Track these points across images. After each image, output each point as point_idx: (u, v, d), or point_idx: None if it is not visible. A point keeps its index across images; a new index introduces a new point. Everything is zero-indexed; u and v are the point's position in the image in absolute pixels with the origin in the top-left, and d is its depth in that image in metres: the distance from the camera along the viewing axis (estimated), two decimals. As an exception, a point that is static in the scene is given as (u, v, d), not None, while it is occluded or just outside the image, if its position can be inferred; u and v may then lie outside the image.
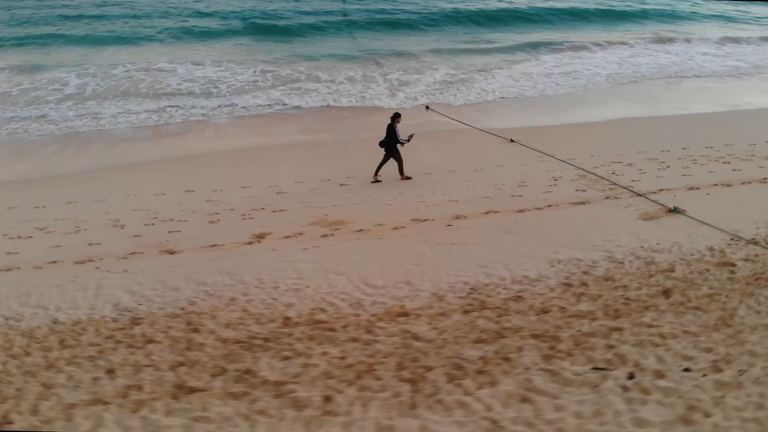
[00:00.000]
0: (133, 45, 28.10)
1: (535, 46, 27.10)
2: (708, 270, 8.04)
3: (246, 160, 14.34)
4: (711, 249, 8.67)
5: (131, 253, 9.27)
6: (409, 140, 12.45)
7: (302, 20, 32.58)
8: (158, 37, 29.39)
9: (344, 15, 34.61)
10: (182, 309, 7.54)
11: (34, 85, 22.73)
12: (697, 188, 11.32)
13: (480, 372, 5.98)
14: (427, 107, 19.03)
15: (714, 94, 20.76)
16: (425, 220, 10.21)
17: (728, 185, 11.45)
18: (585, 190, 11.46)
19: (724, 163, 12.82)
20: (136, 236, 9.95)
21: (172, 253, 9.29)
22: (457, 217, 10.28)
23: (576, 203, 10.79)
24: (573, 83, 21.89)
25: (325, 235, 9.70)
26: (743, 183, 11.51)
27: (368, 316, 7.18)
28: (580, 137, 15.56)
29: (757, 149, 13.64)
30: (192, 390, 5.91)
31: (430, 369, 6.07)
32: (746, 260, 8.29)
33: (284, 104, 19.60)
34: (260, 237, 9.70)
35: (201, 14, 34.07)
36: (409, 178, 12.66)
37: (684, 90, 21.35)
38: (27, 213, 11.07)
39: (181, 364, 6.36)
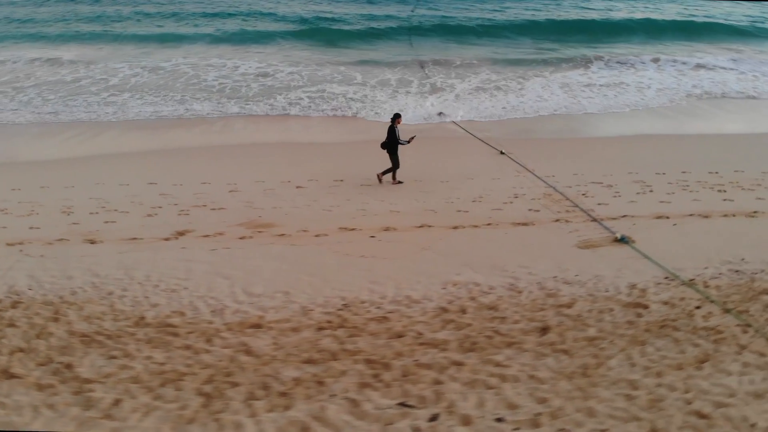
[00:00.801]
0: (194, 42, 29.35)
1: (592, 58, 25.36)
2: (612, 310, 7.25)
3: (229, 157, 14.66)
4: (632, 287, 7.81)
5: (58, 240, 9.68)
6: (409, 142, 12.38)
7: (364, 25, 32.51)
8: (223, 36, 30.49)
9: (410, 18, 34.36)
10: (60, 298, 7.77)
11: (87, 75, 24.40)
12: (667, 217, 10.24)
13: (282, 394, 5.71)
14: (440, 113, 18.49)
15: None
16: (353, 229, 9.94)
17: (706, 216, 10.26)
18: (539, 210, 10.69)
19: (719, 191, 11.51)
20: (74, 224, 10.39)
21: (93, 242, 9.61)
22: (387, 229, 9.93)
23: (519, 224, 10.10)
24: (613, 98, 20.37)
25: (243, 237, 9.67)
26: (725, 215, 10.28)
27: (220, 324, 7.06)
28: (580, 153, 14.64)
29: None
30: (11, 376, 6.05)
31: (235, 385, 5.86)
32: (665, 303, 7.40)
33: (299, 105, 19.72)
34: (180, 234, 9.83)
35: (272, 16, 34.51)
36: (400, 182, 12.67)
37: (730, 109, 19.34)
38: (2, 194, 11.87)
39: (21, 350, 6.54)
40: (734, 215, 10.25)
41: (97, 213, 10.93)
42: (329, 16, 34.21)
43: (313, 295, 7.70)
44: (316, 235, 9.69)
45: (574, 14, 34.54)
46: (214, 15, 35.59)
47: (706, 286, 7.74)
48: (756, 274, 8.07)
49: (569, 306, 7.33)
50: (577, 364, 6.12)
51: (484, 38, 29.56)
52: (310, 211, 10.85)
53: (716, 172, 12.59)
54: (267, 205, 11.15)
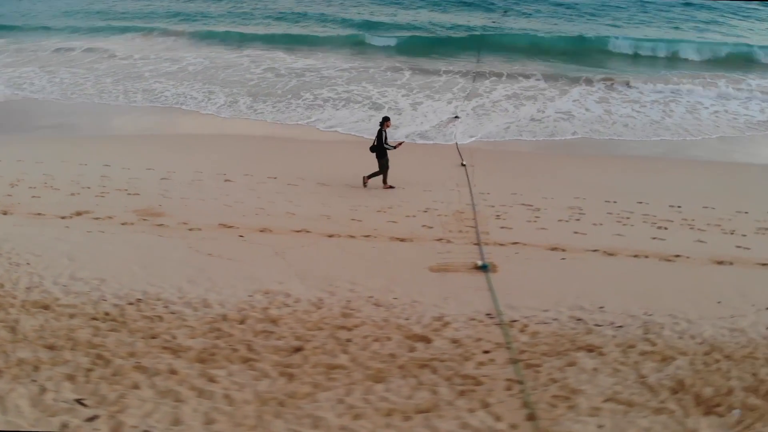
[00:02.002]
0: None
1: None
2: (389, 339, 6.80)
3: (205, 147, 15.43)
4: (438, 318, 7.23)
5: (-25, 207, 10.72)
6: (396, 147, 12.19)
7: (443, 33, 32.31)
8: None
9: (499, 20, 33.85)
10: None
11: (155, 58, 26.76)
12: (563, 250, 9.25)
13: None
14: (456, 116, 18.04)
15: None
16: (230, 227, 10.05)
17: (611, 254, 9.15)
18: (432, 227, 10.13)
19: (659, 228, 10.19)
20: (8, 195, 11.45)
21: (5, 213, 10.54)
22: (263, 230, 9.94)
23: (397, 239, 9.67)
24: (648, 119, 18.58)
25: (125, 223, 10.14)
26: (636, 255, 9.09)
27: (22, 300, 7.49)
28: (560, 172, 13.53)
29: (740, 220, 10.53)
30: None
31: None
32: (453, 341, 6.78)
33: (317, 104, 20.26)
34: (77, 214, 10.49)
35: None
36: (391, 186, 12.45)
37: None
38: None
39: None
40: (647, 257, 8.98)
41: (34, 188, 11.88)
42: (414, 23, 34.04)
43: (124, 286, 7.87)
44: (190, 229, 9.88)
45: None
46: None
47: (522, 331, 6.93)
48: (598, 326, 7.08)
49: (350, 329, 6.90)
50: (288, 390, 5.78)
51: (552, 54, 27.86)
52: (212, 205, 11.07)
53: (679, 207, 11.07)
54: (178, 195, 11.50)
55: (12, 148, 14.69)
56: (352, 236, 9.69)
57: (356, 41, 29.65)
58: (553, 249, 9.25)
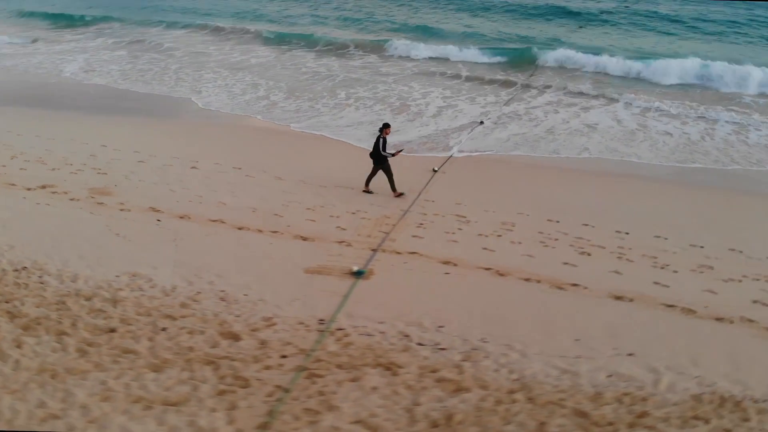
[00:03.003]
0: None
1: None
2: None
3: (206, 134, 16.61)
4: (267, 320, 7.36)
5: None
6: (394, 155, 11.86)
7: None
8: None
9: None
10: None
11: (229, 50, 29.10)
12: (454, 264, 9.00)
13: None
14: (482, 122, 17.80)
15: None
16: (158, 210, 10.73)
17: (502, 274, 8.77)
18: (345, 229, 10.19)
19: (581, 253, 9.56)
20: (2, 166, 12.98)
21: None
22: (183, 217, 10.52)
23: (300, 237, 9.88)
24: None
25: (73, 199, 11.16)
26: (526, 278, 8.67)
27: None
28: (516, 184, 13.05)
29: (685, 254, 9.67)
30: None
31: None
32: (231, 336, 6.90)
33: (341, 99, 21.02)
34: (42, 187, 11.68)
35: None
36: (402, 194, 11.93)
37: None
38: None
39: None
40: (539, 281, 8.46)
41: (28, 161, 13.34)
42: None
43: (25, 253, 8.75)
44: (121, 210, 10.67)
45: None
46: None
47: (338, 340, 6.94)
48: (420, 345, 6.92)
49: (176, 318, 7.29)
50: (70, 366, 6.25)
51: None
52: (160, 189, 11.82)
53: (626, 233, 10.24)
54: (138, 178, 12.39)
55: (36, 124, 16.43)
56: (260, 231, 9.93)
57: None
58: (445, 263, 8.92)
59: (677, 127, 17.28)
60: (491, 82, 22.70)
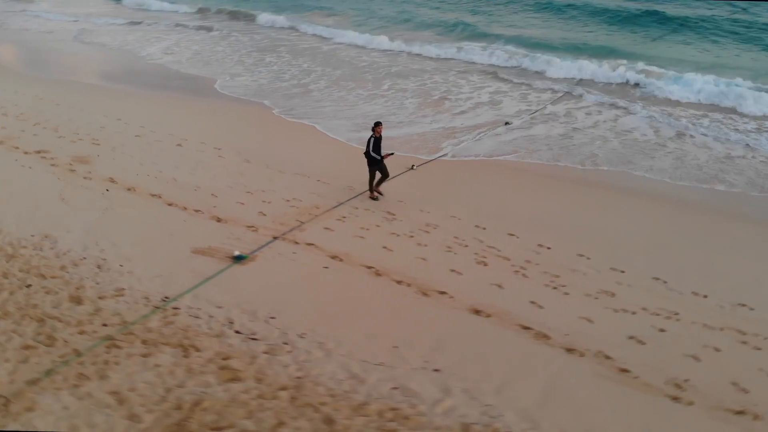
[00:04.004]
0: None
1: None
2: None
3: (221, 114, 17.61)
4: (118, 292, 8.07)
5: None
6: (382, 158, 11.27)
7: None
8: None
9: None
10: None
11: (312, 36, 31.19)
12: (340, 260, 9.16)
13: None
14: (507, 123, 17.56)
15: None
16: (114, 181, 11.81)
17: (379, 274, 8.81)
18: (266, 215, 10.66)
19: (479, 263, 9.27)
20: (21, 131, 14.89)
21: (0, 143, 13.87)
22: (129, 189, 11.46)
23: (215, 218, 10.43)
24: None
25: (54, 164, 12.58)
26: (399, 281, 8.61)
27: None
28: (487, 189, 12.68)
29: (604, 277, 8.93)
30: None
31: None
32: (74, 299, 7.64)
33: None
34: (37, 152, 13.29)
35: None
36: (378, 195, 11.65)
37: None
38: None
39: None
40: (409, 285, 8.42)
41: (45, 128, 15.14)
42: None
43: None
44: (85, 177, 11.88)
45: None
46: None
47: (164, 318, 7.41)
48: (237, 333, 7.22)
49: (46, 278, 8.12)
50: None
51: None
52: (132, 162, 12.89)
53: (548, 248, 9.73)
54: (123, 151, 13.62)
55: (78, 95, 18.44)
56: (184, 208, 10.62)
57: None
58: (333, 257, 9.04)
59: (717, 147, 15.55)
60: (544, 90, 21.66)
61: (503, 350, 6.97)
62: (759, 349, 7.16)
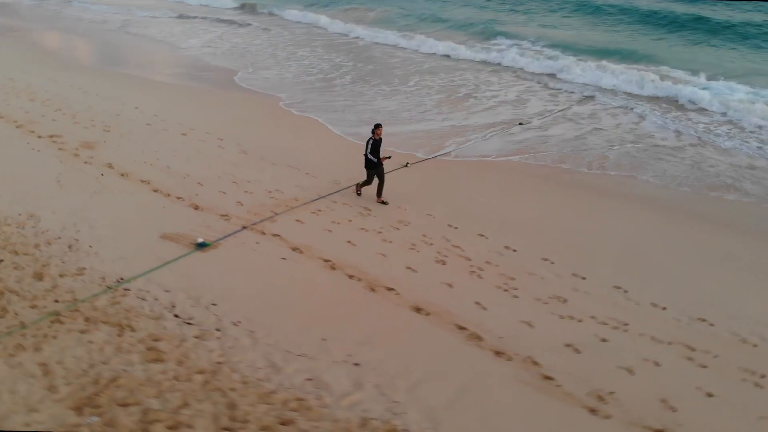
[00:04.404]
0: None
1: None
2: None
3: (238, 107, 18.24)
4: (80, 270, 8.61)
5: None
6: (379, 160, 11.11)
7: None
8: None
9: None
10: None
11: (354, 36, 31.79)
12: (300, 252, 9.42)
13: None
14: (521, 122, 17.58)
15: None
16: (111, 167, 12.51)
17: (333, 268, 9.01)
18: (243, 204, 11.02)
19: (438, 261, 9.34)
20: (41, 116, 15.90)
21: (16, 125, 14.87)
22: (123, 174, 12.11)
23: (194, 205, 10.86)
24: None
25: (61, 149, 13.39)
26: (351, 275, 8.80)
27: None
28: (472, 190, 12.64)
29: (563, 283, 8.76)
30: None
31: None
32: (36, 275, 8.15)
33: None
34: (50, 136, 14.17)
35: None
36: (385, 202, 11.39)
37: None
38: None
39: None
40: (360, 279, 8.57)
41: (64, 114, 16.08)
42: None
43: None
44: (85, 162, 12.59)
45: None
46: None
47: (112, 298, 7.85)
48: (176, 317, 7.60)
49: (18, 254, 8.74)
50: None
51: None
52: (135, 149, 13.52)
53: (513, 250, 9.68)
54: (130, 138, 14.33)
55: (107, 84, 19.46)
56: (168, 195, 11.13)
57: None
58: (294, 249, 9.27)
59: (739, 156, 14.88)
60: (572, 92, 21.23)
61: (430, 349, 6.99)
62: (704, 367, 6.86)
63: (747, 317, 7.79)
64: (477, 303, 7.92)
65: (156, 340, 6.89)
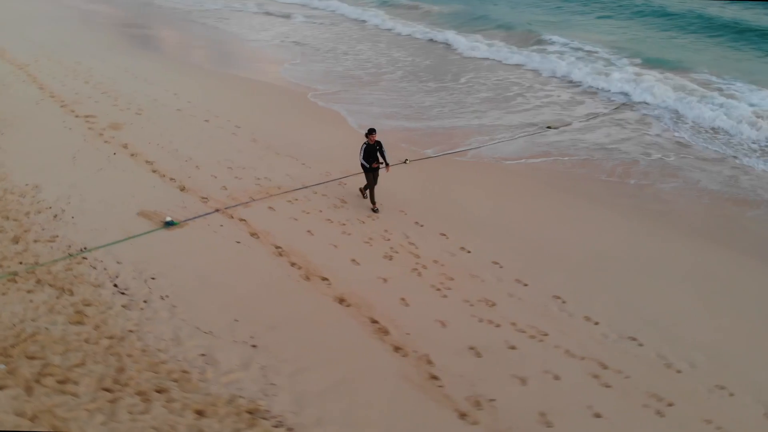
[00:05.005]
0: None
1: None
2: None
3: (274, 98, 19.24)
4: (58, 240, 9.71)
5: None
6: (371, 165, 10.88)
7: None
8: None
9: None
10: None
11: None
12: (256, 237, 10.03)
13: None
14: (549, 127, 17.53)
15: None
16: (126, 147, 13.78)
17: (281, 254, 9.58)
18: (226, 189, 11.77)
19: (386, 257, 9.64)
20: (88, 97, 17.65)
21: (62, 105, 16.62)
22: (133, 155, 13.36)
23: (181, 187, 11.72)
24: None
25: (91, 128, 14.89)
26: (293, 263, 9.33)
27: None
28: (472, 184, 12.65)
29: (501, 286, 8.69)
30: None
31: None
32: (14, 240, 9.23)
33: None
34: (86, 116, 15.74)
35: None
36: (375, 209, 11.16)
37: None
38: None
39: None
40: (300, 268, 9.05)
41: (109, 98, 17.72)
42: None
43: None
44: (105, 141, 13.89)
45: None
46: None
47: (78, 264, 8.84)
48: (124, 290, 8.43)
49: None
50: None
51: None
52: (154, 132, 14.69)
53: (468, 252, 9.77)
54: (155, 122, 15.57)
55: (160, 70, 21.02)
56: (163, 176, 12.05)
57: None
58: (252, 234, 9.86)
59: None
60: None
61: (332, 338, 7.26)
62: (608, 386, 6.64)
63: (684, 341, 7.38)
64: (402, 299, 8.05)
65: (87, 305, 7.64)
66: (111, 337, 7.06)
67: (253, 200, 11.07)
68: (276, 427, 5.86)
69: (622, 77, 21.44)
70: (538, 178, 12.96)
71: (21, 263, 8.50)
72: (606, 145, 15.14)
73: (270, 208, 10.79)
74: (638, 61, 24.16)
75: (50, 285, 8.02)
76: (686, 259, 9.47)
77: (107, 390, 6.21)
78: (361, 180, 11.29)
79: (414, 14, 36.57)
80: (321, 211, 10.76)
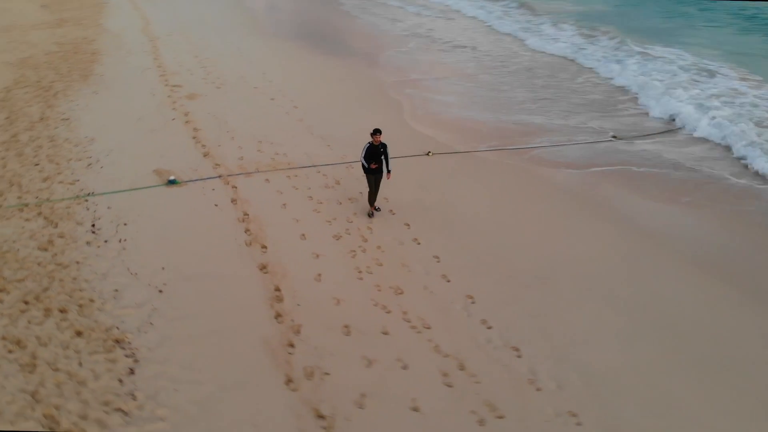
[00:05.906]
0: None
1: None
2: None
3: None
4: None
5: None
6: (368, 167, 10.31)
7: None
8: None
9: None
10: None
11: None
12: (247, 216, 11.31)
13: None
14: (614, 136, 17.05)
15: None
16: (186, 115, 15.90)
17: (241, 222, 10.74)
18: (242, 158, 13.17)
19: (350, 252, 10.33)
20: (189, 72, 20.34)
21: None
22: (187, 122, 15.38)
23: (204, 153, 13.42)
24: None
25: (170, 96, 17.25)
26: (264, 245, 10.45)
27: None
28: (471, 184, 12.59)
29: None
30: None
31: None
32: (10, 183, 11.48)
33: None
34: (174, 86, 18.23)
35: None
36: (374, 211, 10.86)
37: None
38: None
39: None
40: (253, 238, 10.12)
41: (209, 73, 20.18)
42: None
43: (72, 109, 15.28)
44: (173, 108, 16.09)
45: None
46: None
47: (78, 206, 10.83)
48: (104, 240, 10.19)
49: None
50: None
51: None
52: (223, 104, 16.59)
53: (438, 260, 10.10)
54: (229, 97, 17.57)
55: (265, 51, 23.17)
56: (198, 141, 13.75)
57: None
58: (232, 201, 10.99)
59: None
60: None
61: (229, 296, 8.13)
62: (450, 386, 6.68)
63: (571, 363, 7.02)
64: (318, 275, 8.59)
65: (60, 236, 9.29)
66: (59, 264, 8.55)
67: (259, 171, 12.10)
68: (127, 357, 6.81)
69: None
70: (555, 184, 12.38)
71: (37, 197, 10.41)
72: (681, 160, 13.82)
73: (266, 180, 11.75)
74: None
75: (45, 218, 9.78)
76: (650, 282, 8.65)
77: (25, 302, 7.63)
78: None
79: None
80: (309, 189, 11.50)
